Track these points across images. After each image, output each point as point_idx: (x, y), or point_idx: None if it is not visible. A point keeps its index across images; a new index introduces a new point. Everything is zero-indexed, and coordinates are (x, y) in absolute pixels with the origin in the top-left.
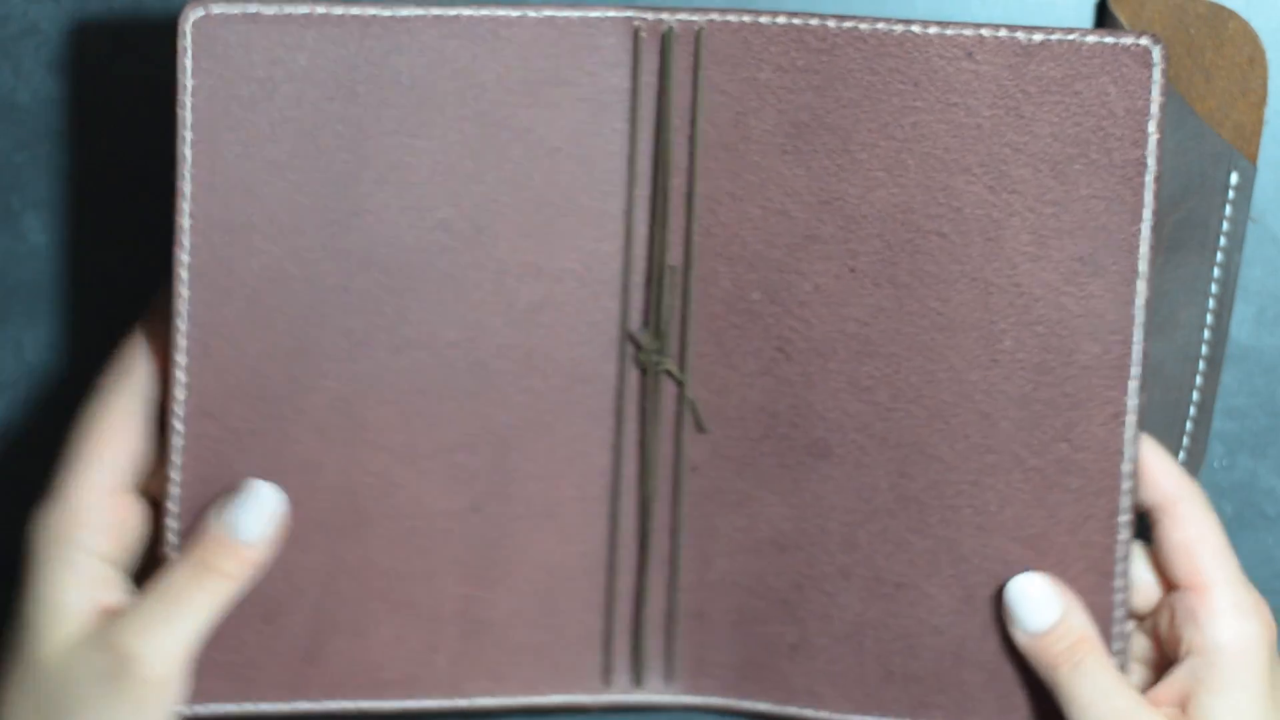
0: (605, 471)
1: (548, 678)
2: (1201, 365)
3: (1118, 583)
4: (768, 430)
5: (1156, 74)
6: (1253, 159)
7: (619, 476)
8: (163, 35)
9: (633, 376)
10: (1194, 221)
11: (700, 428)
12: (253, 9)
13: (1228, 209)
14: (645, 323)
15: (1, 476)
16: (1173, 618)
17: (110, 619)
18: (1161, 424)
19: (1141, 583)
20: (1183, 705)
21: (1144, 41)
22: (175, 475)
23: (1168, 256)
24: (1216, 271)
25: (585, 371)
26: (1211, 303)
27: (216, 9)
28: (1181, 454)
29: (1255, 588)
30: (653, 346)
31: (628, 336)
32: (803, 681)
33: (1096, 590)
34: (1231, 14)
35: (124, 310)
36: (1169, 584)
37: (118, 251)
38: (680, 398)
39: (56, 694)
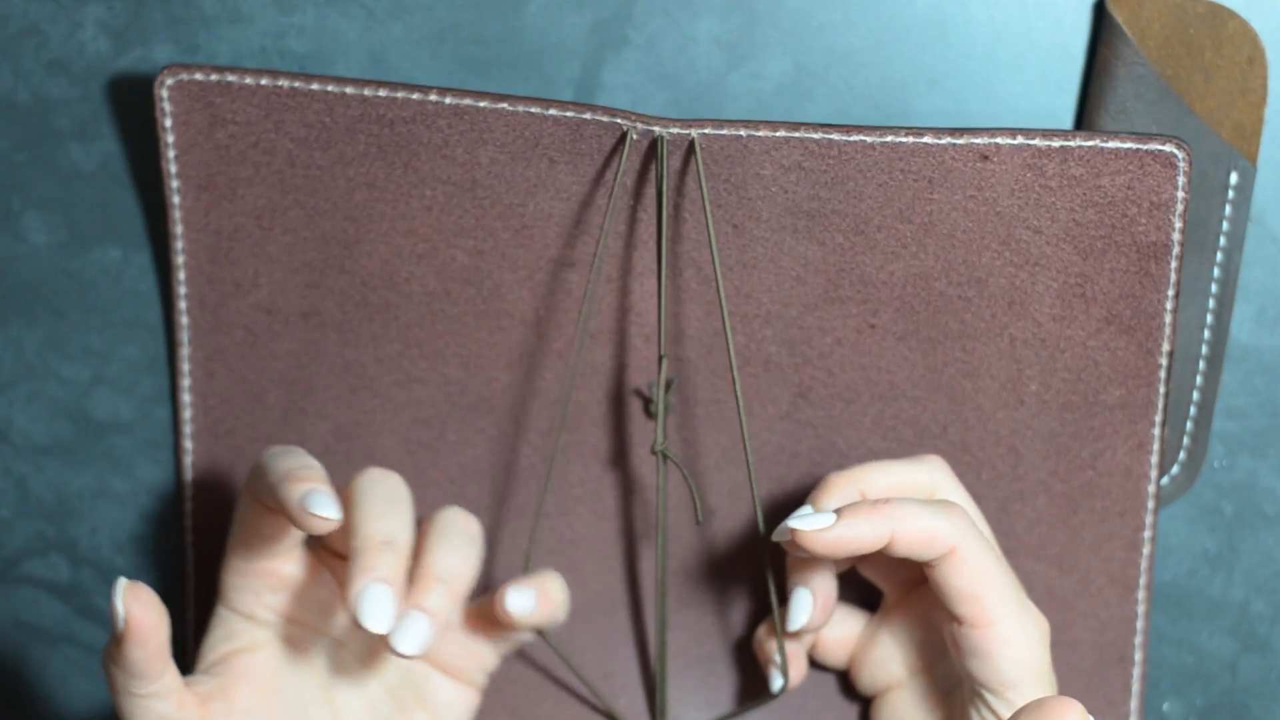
0: (618, 514)
1: (566, 715)
2: (1201, 365)
3: (1140, 594)
4: (788, 471)
5: (1180, 176)
6: (1253, 159)
7: (632, 519)
8: (162, 35)
9: (642, 424)
10: (1194, 221)
11: (698, 520)
12: (230, 78)
13: (1228, 209)
14: (653, 383)
15: (2, 477)
16: (957, 650)
17: None
18: None
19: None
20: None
21: (1168, 148)
22: (188, 493)
23: None
24: (1216, 271)
25: (593, 415)
26: (1211, 303)
27: (191, 76)
28: (1181, 454)
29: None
30: (665, 401)
31: (636, 394)
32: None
33: (1119, 604)
34: (1231, 14)
35: (124, 311)
36: (954, 619)
37: (118, 251)
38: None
39: None
